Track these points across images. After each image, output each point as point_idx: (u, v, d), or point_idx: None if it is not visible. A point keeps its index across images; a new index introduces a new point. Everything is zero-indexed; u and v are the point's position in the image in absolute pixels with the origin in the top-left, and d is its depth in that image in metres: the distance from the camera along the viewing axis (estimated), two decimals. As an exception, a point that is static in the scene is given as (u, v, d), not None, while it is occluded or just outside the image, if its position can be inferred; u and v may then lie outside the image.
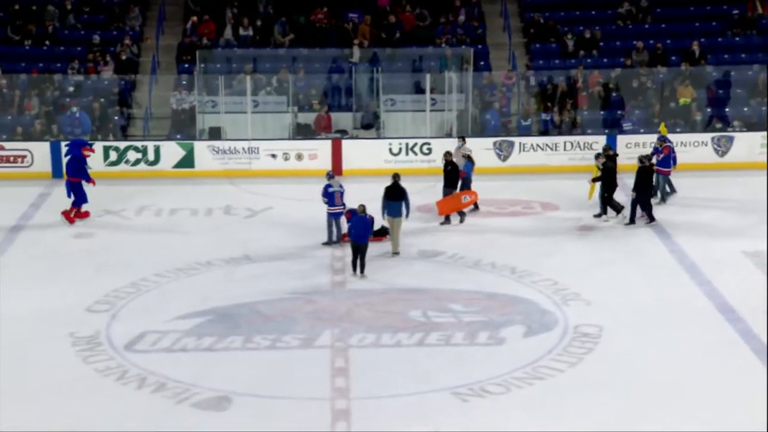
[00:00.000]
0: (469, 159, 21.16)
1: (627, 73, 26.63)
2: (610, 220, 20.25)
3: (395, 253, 18.34)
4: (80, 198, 20.71)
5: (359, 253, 17.22)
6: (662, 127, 22.78)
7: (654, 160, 20.81)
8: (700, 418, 12.25)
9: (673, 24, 29.09)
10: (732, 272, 17.39)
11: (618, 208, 20.25)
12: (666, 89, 26.37)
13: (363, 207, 17.37)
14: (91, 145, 21.72)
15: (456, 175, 20.42)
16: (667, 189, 21.76)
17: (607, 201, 20.26)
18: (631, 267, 17.89)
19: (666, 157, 21.40)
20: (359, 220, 17.29)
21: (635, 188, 19.98)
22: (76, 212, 20.68)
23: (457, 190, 20.54)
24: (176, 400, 12.87)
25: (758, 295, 16.22)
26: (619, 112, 25.98)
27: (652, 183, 20.56)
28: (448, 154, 20.56)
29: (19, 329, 15.15)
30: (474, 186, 20.87)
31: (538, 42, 28.61)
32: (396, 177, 18.56)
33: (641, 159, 20.20)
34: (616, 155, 21.40)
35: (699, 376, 13.48)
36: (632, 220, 20.05)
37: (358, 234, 17.26)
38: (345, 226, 18.52)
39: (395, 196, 18.29)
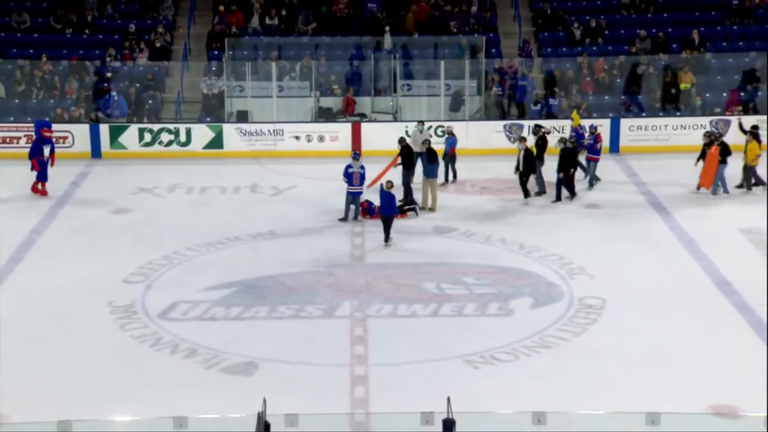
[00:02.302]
0: (451, 135, 21.53)
1: (630, 60, 26.40)
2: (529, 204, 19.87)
3: (432, 209, 19.25)
4: (40, 174, 20.87)
5: (386, 225, 17.44)
6: (575, 115, 22.33)
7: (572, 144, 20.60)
8: (698, 387, 12.17)
9: (674, 13, 28.77)
10: (728, 248, 17.25)
11: (528, 194, 19.90)
12: (667, 75, 26.12)
13: (391, 183, 17.66)
14: (50, 126, 21.76)
15: (412, 158, 20.10)
16: (597, 176, 21.07)
17: (524, 183, 19.83)
18: (633, 243, 17.78)
19: (594, 144, 20.82)
20: (385, 195, 17.44)
21: (559, 169, 19.90)
22: (39, 187, 20.85)
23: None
24: (206, 365, 12.91)
25: (753, 269, 16.12)
26: (622, 97, 25.75)
27: (576, 162, 20.30)
28: (402, 140, 20.41)
29: (61, 298, 15.25)
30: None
31: (547, 31, 28.37)
32: (428, 142, 19.74)
33: (563, 141, 20.19)
34: (546, 133, 21.10)
35: (697, 346, 13.41)
36: (558, 198, 20.03)
37: (383, 207, 17.47)
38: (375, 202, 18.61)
39: (434, 159, 19.42)
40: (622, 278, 15.94)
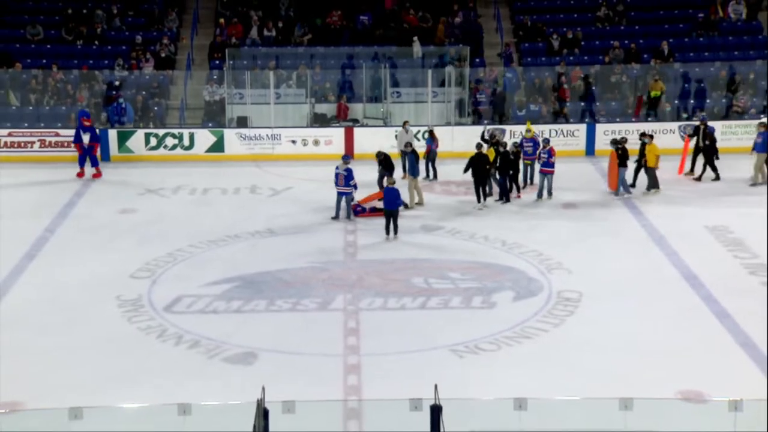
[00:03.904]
0: (431, 135, 21.89)
1: (605, 69, 26.48)
2: (483, 209, 19.56)
3: (419, 204, 19.54)
4: (82, 159, 22.04)
5: (390, 219, 17.46)
6: (529, 125, 21.98)
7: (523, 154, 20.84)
8: (668, 374, 12.19)
9: (645, 26, 28.84)
10: (695, 244, 17.29)
11: (480, 198, 19.64)
12: (639, 83, 26.22)
13: (393, 180, 17.90)
14: (89, 116, 22.75)
15: (391, 164, 19.98)
16: (551, 188, 20.37)
17: (477, 188, 19.57)
18: (607, 240, 17.80)
19: (549, 158, 20.23)
20: (389, 190, 17.56)
21: (500, 172, 19.96)
22: (81, 170, 22.12)
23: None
24: (209, 356, 12.88)
25: (718, 264, 16.20)
26: (596, 103, 25.80)
27: (516, 166, 20.22)
28: (380, 153, 20.13)
29: (73, 293, 15.19)
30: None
31: (527, 42, 28.40)
32: (410, 145, 20.04)
33: (504, 146, 20.36)
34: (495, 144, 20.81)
35: (667, 336, 13.43)
36: (507, 199, 19.98)
37: (387, 202, 17.52)
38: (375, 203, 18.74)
39: (417, 160, 19.94)
40: (597, 273, 15.95)
